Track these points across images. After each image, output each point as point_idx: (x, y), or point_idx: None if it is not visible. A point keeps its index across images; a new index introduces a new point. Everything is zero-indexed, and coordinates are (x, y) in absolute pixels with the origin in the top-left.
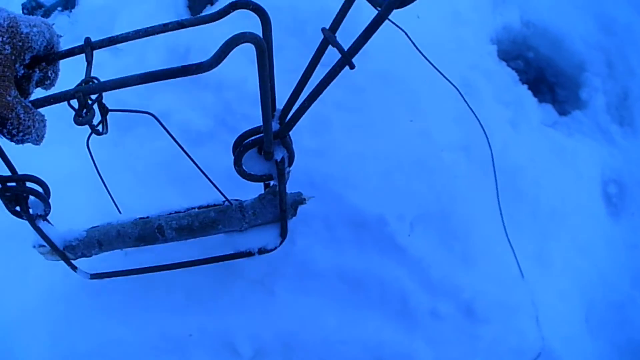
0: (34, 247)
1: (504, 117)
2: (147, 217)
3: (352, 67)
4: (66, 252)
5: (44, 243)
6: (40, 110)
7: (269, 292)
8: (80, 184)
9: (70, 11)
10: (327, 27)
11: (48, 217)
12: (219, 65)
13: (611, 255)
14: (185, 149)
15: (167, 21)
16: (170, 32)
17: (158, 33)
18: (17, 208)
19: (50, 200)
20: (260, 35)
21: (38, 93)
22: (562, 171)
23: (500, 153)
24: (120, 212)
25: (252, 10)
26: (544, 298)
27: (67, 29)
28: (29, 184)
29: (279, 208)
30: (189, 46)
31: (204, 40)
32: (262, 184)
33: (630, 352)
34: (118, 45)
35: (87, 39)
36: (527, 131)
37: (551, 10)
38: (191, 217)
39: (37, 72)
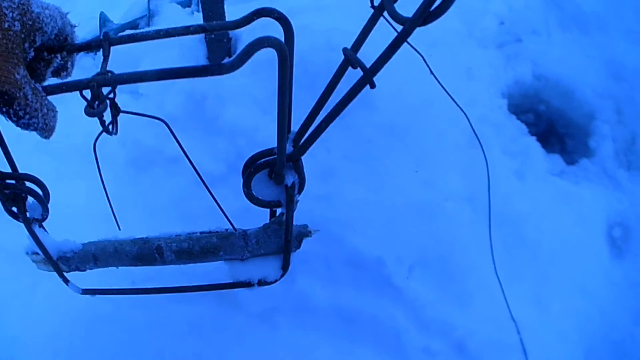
0: (27, 253)
1: (510, 168)
2: (147, 237)
3: (372, 86)
4: (60, 263)
5: (38, 250)
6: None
7: (269, 327)
8: (91, 216)
9: (95, 54)
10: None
11: (44, 224)
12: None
13: (613, 295)
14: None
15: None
16: (187, 80)
17: (180, 35)
18: (14, 209)
19: (49, 206)
20: None
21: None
22: (565, 216)
23: (503, 202)
24: (120, 229)
25: (275, 19)
26: (542, 340)
27: (90, 70)
28: (29, 184)
29: (283, 239)
30: (206, 94)
31: (219, 88)
32: (268, 215)
33: None
34: (139, 89)
35: (105, 34)
36: (533, 181)
37: (563, 61)
38: (192, 241)
39: (58, 59)
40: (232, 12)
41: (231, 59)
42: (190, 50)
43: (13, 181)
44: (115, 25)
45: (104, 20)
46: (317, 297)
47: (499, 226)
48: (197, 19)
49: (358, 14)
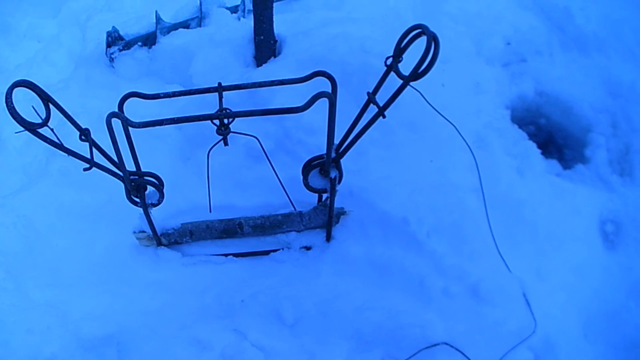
0: (134, 232)
1: (511, 166)
2: (231, 217)
3: (384, 117)
4: (162, 237)
5: (144, 229)
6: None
7: (313, 274)
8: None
9: (150, 47)
10: (370, 89)
11: (151, 210)
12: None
13: (606, 277)
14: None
15: (238, 66)
16: (239, 72)
17: (267, 86)
18: (137, 199)
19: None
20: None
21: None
22: (560, 205)
23: (505, 191)
24: (210, 212)
25: (326, 77)
26: (543, 306)
27: (145, 63)
28: (148, 178)
29: (327, 216)
30: None
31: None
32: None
33: (625, 348)
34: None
35: (219, 83)
36: (532, 177)
37: (563, 80)
38: (264, 219)
39: None
40: (279, 20)
41: (303, 104)
42: (240, 49)
43: (136, 177)
44: (167, 24)
45: (158, 19)
46: (353, 251)
47: (500, 210)
48: (244, 24)
49: (384, 27)
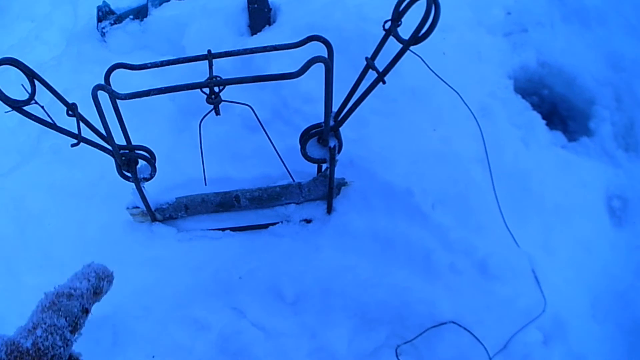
0: (128, 208)
1: (516, 136)
2: (227, 190)
3: (384, 82)
4: (156, 213)
5: (138, 205)
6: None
7: (313, 249)
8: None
9: (142, 20)
10: (369, 56)
11: (144, 185)
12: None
13: (614, 255)
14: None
15: (232, 35)
16: (233, 40)
17: (259, 52)
18: (128, 174)
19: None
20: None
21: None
22: (567, 177)
23: (511, 162)
24: (205, 185)
25: (322, 42)
26: (551, 281)
27: (137, 36)
28: (139, 152)
29: (327, 187)
30: None
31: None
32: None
33: (634, 330)
34: (186, 51)
35: (209, 51)
36: (537, 148)
37: (565, 51)
38: (261, 191)
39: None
40: None
41: (298, 69)
42: (234, 18)
43: (127, 151)
44: None
45: None
46: (355, 224)
47: (506, 182)
48: None
49: None
